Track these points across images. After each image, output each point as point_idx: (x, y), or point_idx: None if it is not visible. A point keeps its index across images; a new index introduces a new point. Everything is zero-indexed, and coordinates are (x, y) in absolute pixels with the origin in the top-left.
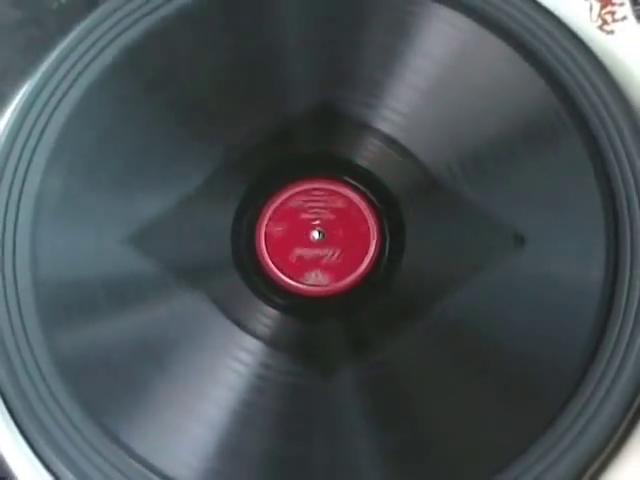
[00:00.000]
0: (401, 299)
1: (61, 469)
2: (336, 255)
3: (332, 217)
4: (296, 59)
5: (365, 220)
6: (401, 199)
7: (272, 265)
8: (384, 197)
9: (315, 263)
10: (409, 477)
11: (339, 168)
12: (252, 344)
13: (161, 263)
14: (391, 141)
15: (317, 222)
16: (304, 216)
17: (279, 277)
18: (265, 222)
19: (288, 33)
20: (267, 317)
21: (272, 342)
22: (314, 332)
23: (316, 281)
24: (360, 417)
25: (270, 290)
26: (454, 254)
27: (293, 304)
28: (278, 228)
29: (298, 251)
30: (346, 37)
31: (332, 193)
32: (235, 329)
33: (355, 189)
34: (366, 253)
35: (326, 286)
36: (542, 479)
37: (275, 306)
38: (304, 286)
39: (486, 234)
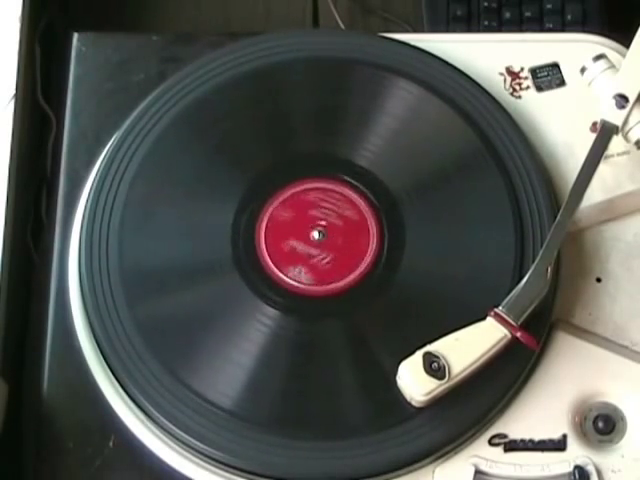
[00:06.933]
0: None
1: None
2: (327, 260)
3: (339, 223)
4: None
5: (365, 220)
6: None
7: (264, 247)
8: (384, 197)
9: (304, 260)
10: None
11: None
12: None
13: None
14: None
15: (323, 223)
16: (313, 212)
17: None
18: (274, 205)
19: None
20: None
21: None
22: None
23: (297, 277)
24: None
25: (270, 288)
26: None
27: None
28: (284, 214)
29: (293, 243)
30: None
31: (346, 200)
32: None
33: (355, 188)
34: (363, 258)
35: (306, 285)
36: None
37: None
38: (285, 277)
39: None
